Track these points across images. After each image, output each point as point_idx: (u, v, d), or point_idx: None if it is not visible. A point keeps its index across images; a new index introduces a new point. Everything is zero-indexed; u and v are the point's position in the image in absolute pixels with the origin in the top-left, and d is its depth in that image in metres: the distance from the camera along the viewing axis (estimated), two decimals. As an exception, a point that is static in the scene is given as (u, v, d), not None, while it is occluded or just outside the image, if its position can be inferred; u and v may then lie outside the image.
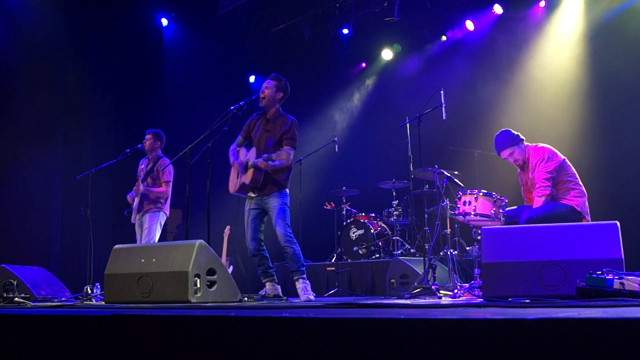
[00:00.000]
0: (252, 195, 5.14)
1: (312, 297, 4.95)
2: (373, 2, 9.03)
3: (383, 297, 5.90)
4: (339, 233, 7.76)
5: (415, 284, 5.17)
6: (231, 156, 5.29)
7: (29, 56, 8.48)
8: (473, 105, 8.52)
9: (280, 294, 5.15)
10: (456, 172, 5.81)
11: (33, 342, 2.23)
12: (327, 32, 9.62)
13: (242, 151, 5.27)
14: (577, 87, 7.79)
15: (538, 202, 4.87)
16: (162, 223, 6.53)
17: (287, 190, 5.17)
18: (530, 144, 5.14)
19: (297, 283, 5.03)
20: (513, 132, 5.15)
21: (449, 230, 5.65)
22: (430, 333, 1.53)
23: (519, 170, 5.26)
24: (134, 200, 6.46)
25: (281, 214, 5.02)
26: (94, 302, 5.27)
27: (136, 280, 4.13)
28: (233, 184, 5.22)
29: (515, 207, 5.28)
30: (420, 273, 5.41)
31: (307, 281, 5.06)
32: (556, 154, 5.00)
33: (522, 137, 5.14)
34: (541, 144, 5.10)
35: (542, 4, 8.23)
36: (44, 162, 8.62)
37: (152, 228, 6.38)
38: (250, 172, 5.03)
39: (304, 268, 5.06)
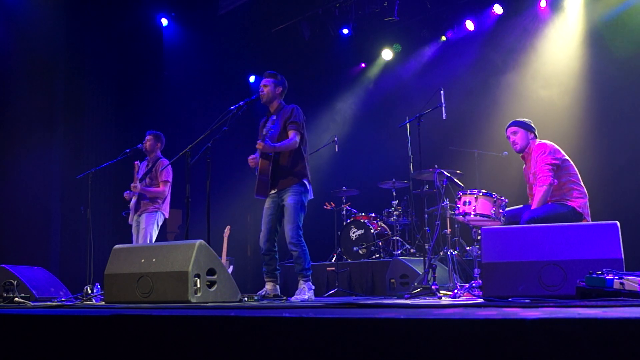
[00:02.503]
0: (272, 192, 5.08)
1: (304, 299, 4.90)
2: (373, 2, 9.03)
3: (383, 297, 5.90)
4: (339, 233, 7.76)
5: (415, 284, 5.17)
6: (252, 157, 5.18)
7: (29, 56, 8.48)
8: (473, 105, 8.52)
9: (280, 294, 5.14)
10: (458, 172, 5.80)
11: (33, 342, 2.23)
12: (327, 32, 9.62)
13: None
14: (578, 87, 7.79)
15: (540, 191, 4.84)
16: (159, 224, 6.50)
17: (306, 182, 5.05)
18: (535, 141, 5.14)
19: (298, 283, 5.03)
20: (532, 124, 5.17)
21: (449, 230, 5.65)
22: (430, 333, 1.53)
23: (524, 166, 5.26)
24: (130, 199, 6.45)
25: (294, 214, 4.93)
26: (94, 302, 5.27)
27: (136, 280, 4.13)
28: (255, 187, 5.11)
29: (515, 206, 5.26)
30: (420, 273, 5.41)
31: (309, 284, 5.01)
32: (559, 151, 4.99)
33: (535, 131, 5.15)
34: (545, 141, 5.10)
35: (543, 3, 8.22)
36: (44, 162, 8.62)
37: (148, 229, 6.35)
38: (259, 163, 5.03)
39: (307, 271, 5.00)
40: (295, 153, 5.04)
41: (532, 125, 5.17)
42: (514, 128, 5.14)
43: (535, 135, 5.15)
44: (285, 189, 5.02)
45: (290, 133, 5.00)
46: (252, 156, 5.14)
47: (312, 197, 5.18)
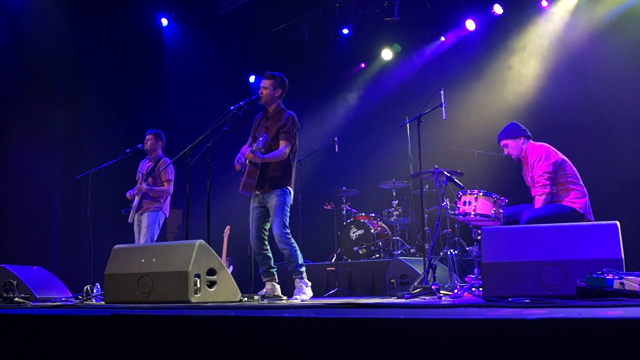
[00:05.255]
0: (257, 193, 5.13)
1: (304, 298, 4.94)
2: (373, 2, 9.03)
3: (383, 297, 5.90)
4: (339, 233, 7.76)
5: (415, 284, 5.16)
6: (236, 160, 5.27)
7: (29, 56, 8.48)
8: (473, 105, 8.51)
9: (280, 294, 5.15)
10: (458, 171, 5.80)
11: (33, 342, 2.23)
12: (327, 32, 9.62)
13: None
14: (579, 87, 7.78)
15: (539, 200, 4.87)
16: (161, 223, 6.52)
17: (290, 189, 5.13)
18: (530, 142, 5.14)
19: (294, 282, 5.05)
20: (519, 126, 5.19)
21: (449, 230, 5.64)
22: (430, 333, 1.53)
23: (523, 167, 5.27)
24: (133, 198, 6.46)
25: (279, 214, 5.00)
26: (94, 302, 5.27)
27: (136, 280, 4.13)
28: (240, 184, 5.19)
29: (516, 205, 5.26)
30: (420, 273, 5.40)
31: (305, 281, 5.06)
32: (553, 153, 4.99)
33: (527, 133, 5.16)
34: (539, 143, 5.11)
35: (544, 3, 8.21)
36: (44, 162, 8.62)
37: (150, 227, 6.37)
38: (247, 167, 5.05)
39: (301, 268, 5.05)
40: (283, 162, 5.09)
41: (520, 127, 5.17)
42: (503, 142, 5.22)
43: (525, 137, 5.14)
44: (268, 193, 5.08)
45: (282, 143, 5.05)
46: (238, 158, 5.16)
47: (292, 203, 5.21)
